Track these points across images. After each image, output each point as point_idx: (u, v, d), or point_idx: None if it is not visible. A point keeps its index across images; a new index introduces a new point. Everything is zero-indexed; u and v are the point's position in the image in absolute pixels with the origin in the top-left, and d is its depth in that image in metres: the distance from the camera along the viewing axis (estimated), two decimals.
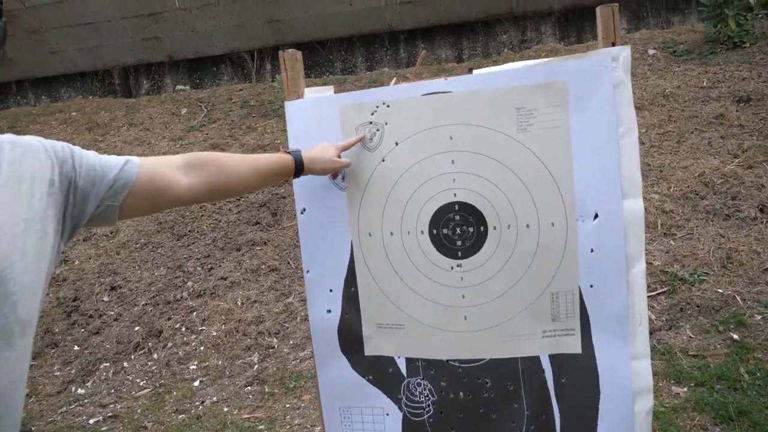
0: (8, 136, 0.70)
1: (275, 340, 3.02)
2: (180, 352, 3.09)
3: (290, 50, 1.17)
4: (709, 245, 2.85)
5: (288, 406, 2.52)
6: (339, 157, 1.14)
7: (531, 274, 1.09)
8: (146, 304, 3.44)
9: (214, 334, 3.12)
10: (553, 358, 1.10)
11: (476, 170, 1.11)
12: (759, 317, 2.42)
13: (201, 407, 2.64)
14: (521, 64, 1.10)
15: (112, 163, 0.79)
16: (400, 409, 1.20)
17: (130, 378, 3.02)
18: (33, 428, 2.70)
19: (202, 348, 3.08)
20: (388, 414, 1.20)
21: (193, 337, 3.17)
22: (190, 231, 3.88)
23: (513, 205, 1.10)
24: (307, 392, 2.58)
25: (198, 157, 0.91)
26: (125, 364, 3.13)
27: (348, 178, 1.19)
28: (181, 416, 2.59)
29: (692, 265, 2.78)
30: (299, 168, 1.07)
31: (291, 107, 1.20)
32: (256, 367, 2.87)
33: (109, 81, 6.06)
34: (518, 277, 1.10)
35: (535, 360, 1.11)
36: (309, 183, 1.19)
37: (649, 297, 2.46)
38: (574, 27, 5.15)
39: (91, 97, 6.06)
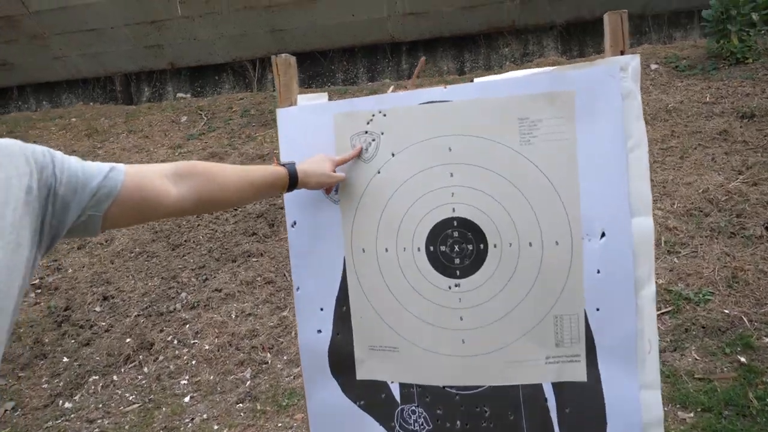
0: None
1: (269, 355, 2.95)
2: (171, 366, 3.02)
3: (283, 55, 1.12)
4: (714, 264, 2.78)
5: (280, 425, 2.44)
6: (335, 171, 1.09)
7: (533, 295, 1.03)
8: (138, 315, 3.37)
9: (207, 347, 3.05)
10: (557, 386, 1.04)
11: (476, 184, 1.05)
12: (767, 339, 2.35)
13: (191, 425, 2.55)
14: (525, 72, 1.04)
15: (95, 170, 0.74)
16: None
17: (119, 392, 2.94)
18: None
19: (193, 362, 3.01)
20: None
21: (185, 350, 3.09)
22: (185, 240, 3.82)
23: (515, 222, 1.03)
24: (300, 411, 2.50)
25: (188, 166, 0.87)
26: (115, 377, 3.05)
27: (341, 190, 1.13)
28: None
29: (697, 284, 2.72)
30: (293, 181, 1.02)
31: (283, 114, 1.15)
32: (248, 383, 2.79)
33: (110, 88, 6.05)
34: (520, 299, 1.04)
35: (538, 388, 1.04)
36: (300, 195, 1.13)
37: None
38: (576, 41, 5.14)
39: (91, 104, 6.05)
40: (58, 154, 0.72)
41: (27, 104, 6.23)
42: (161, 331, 3.22)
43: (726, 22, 4.01)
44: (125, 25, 5.42)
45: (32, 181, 0.66)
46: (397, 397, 1.12)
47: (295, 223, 1.16)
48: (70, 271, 3.79)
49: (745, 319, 2.47)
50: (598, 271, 1.00)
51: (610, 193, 0.98)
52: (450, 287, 1.07)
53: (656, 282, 2.84)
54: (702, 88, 3.97)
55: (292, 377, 2.76)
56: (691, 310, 2.60)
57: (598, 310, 1.00)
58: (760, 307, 2.52)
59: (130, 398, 2.86)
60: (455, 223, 1.07)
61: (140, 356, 3.12)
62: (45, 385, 3.09)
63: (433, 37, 5.26)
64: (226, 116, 5.06)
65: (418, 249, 1.08)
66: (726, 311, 2.54)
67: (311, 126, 1.13)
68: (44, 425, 2.75)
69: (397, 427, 1.12)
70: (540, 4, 4.89)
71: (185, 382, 2.91)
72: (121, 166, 0.77)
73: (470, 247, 1.06)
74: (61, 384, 3.05)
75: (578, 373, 1.02)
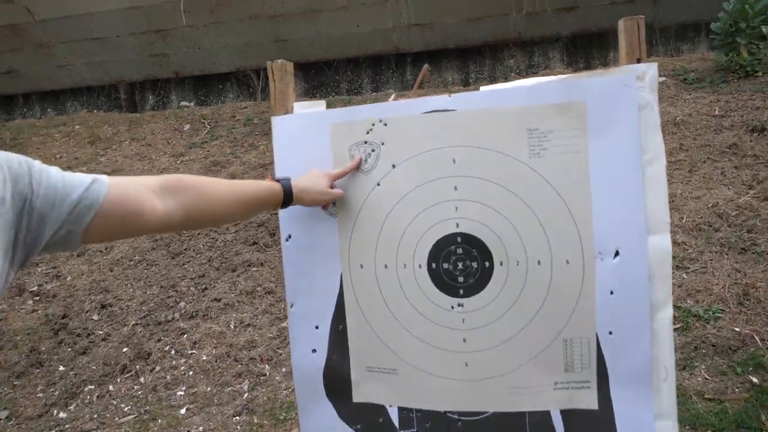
0: None
1: (267, 366, 2.89)
2: (168, 377, 2.96)
3: (280, 60, 1.07)
4: (724, 280, 2.71)
5: None
6: (332, 186, 1.04)
7: (542, 317, 0.97)
8: (136, 324, 3.33)
9: (205, 358, 3.00)
10: (566, 414, 0.97)
11: (482, 198, 1.00)
12: None
13: None
14: (534, 80, 0.99)
15: (77, 181, 0.70)
16: None
17: (115, 402, 2.88)
18: None
19: (191, 373, 2.95)
20: None
21: (183, 360, 3.04)
22: (185, 249, 3.79)
23: (522, 239, 0.98)
24: (297, 425, 2.43)
25: (176, 180, 0.83)
26: (111, 387, 3.00)
27: (339, 203, 1.08)
28: None
29: (707, 300, 2.65)
30: (287, 198, 0.98)
31: (278, 122, 1.10)
32: (245, 395, 2.74)
33: (114, 96, 6.07)
34: (527, 321, 0.98)
35: (545, 415, 0.98)
36: (296, 208, 1.07)
37: None
38: (582, 53, 5.11)
39: (95, 111, 6.06)
40: (37, 164, 0.68)
41: (32, 111, 6.26)
42: (159, 340, 3.17)
43: (735, 35, 3.98)
44: (130, 34, 5.44)
45: (5, 192, 0.62)
46: (396, 422, 1.06)
47: (290, 236, 1.11)
48: (68, 278, 3.76)
49: (756, 338, 2.40)
50: (612, 293, 0.94)
51: (624, 210, 0.93)
52: (453, 307, 1.01)
53: None
54: (711, 101, 3.92)
55: (290, 390, 2.70)
56: (700, 327, 2.53)
57: (610, 333, 0.94)
58: None
59: (126, 409, 2.81)
60: (459, 239, 1.01)
61: (137, 366, 3.07)
62: (40, 394, 3.04)
63: (438, 48, 5.26)
64: (229, 125, 5.05)
65: (420, 266, 1.03)
66: (737, 329, 2.46)
67: (307, 135, 1.08)
68: None
69: None
70: (546, 16, 4.87)
71: (182, 393, 2.85)
72: (104, 177, 0.74)
73: (475, 264, 1.00)
74: (57, 393, 3.00)
75: (589, 400, 0.96)
